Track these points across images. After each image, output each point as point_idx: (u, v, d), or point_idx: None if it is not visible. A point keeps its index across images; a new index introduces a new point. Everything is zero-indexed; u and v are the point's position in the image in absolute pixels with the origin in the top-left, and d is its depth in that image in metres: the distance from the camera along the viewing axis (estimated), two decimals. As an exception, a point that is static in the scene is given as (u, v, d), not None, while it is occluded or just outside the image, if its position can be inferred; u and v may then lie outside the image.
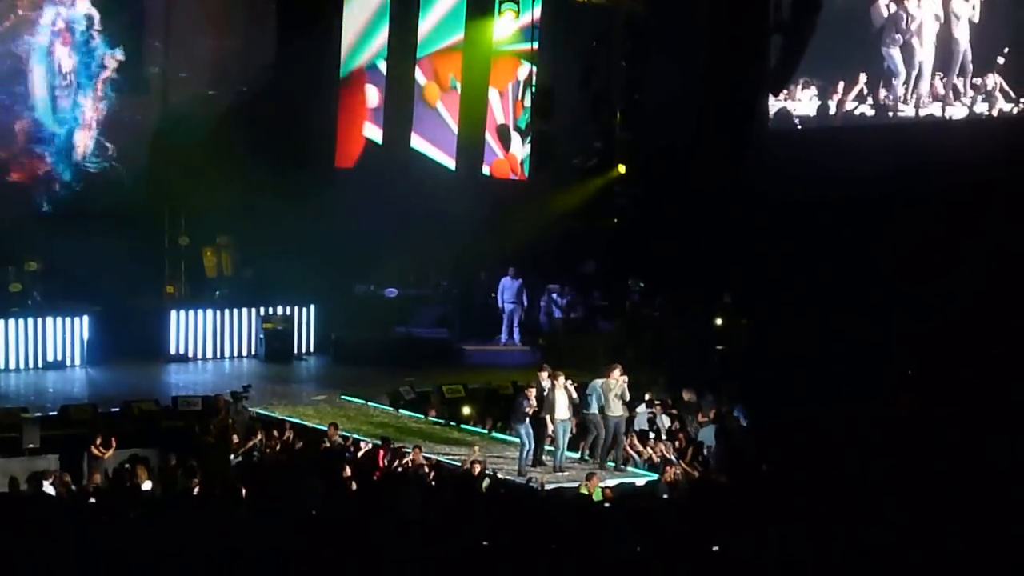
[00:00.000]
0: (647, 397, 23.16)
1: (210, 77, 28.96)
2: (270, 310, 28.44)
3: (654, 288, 29.49)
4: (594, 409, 21.55)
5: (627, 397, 21.71)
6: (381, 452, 20.73)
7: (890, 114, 29.65)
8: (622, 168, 30.11)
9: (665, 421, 22.97)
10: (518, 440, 21.63)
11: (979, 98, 28.73)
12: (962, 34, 29.06)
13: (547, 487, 20.10)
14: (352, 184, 29.73)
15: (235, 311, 28.32)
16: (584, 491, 19.63)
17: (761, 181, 28.60)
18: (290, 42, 29.05)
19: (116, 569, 13.58)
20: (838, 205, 27.52)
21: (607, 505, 18.77)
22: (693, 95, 30.02)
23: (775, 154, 29.46)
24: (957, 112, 29.12)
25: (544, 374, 21.78)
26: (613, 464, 21.62)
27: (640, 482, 20.97)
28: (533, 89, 29.78)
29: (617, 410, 21.55)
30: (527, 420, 21.32)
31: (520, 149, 31.34)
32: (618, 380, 21.61)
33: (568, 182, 30.37)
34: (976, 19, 28.81)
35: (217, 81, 28.98)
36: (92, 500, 17.81)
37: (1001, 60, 28.53)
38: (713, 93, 29.77)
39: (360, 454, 20.84)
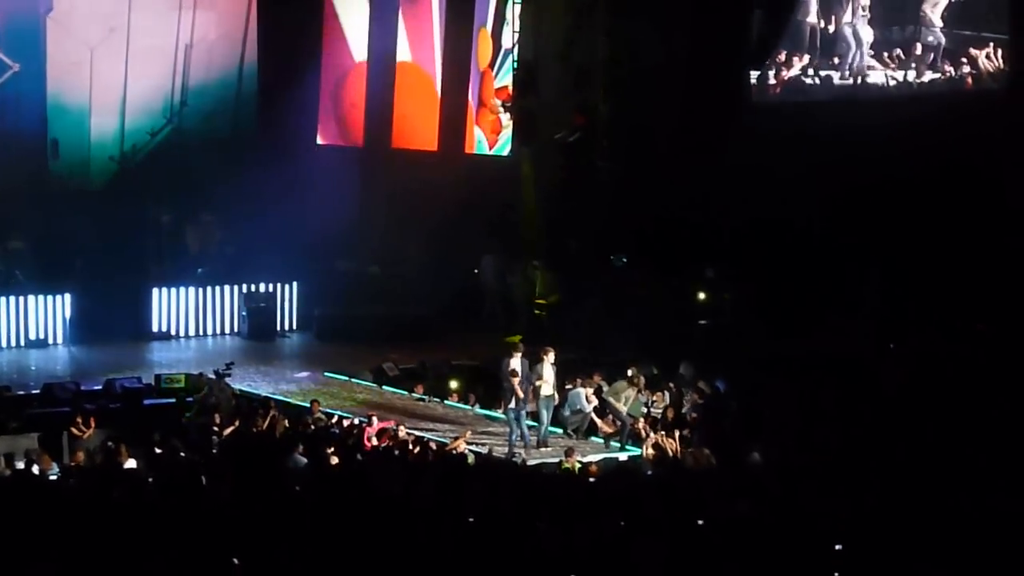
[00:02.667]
0: (629, 373, 23.15)
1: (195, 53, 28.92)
2: (252, 287, 28.40)
3: (636, 263, 29.50)
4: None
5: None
6: (365, 429, 20.75)
7: (836, 81, 29.51)
8: (604, 143, 30.11)
9: (643, 398, 22.96)
10: (503, 416, 21.75)
11: (911, 66, 28.60)
12: (899, 4, 28.97)
13: (529, 463, 20.15)
14: (334, 160, 29.69)
15: (217, 288, 28.27)
16: (566, 466, 19.69)
17: (742, 154, 28.59)
18: (272, 17, 28.99)
19: (100, 548, 13.56)
20: (820, 177, 27.48)
21: (591, 480, 18.78)
22: (675, 69, 30.00)
23: (757, 127, 29.40)
24: (890, 80, 29.04)
25: (518, 355, 21.79)
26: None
27: (623, 457, 21.03)
28: (515, 64, 29.79)
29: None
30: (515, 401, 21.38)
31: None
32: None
33: (551, 158, 30.35)
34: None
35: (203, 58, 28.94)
36: (75, 480, 17.77)
37: (937, 29, 28.39)
38: (696, 66, 29.73)
39: (342, 431, 20.85)
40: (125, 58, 28.22)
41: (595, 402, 22.12)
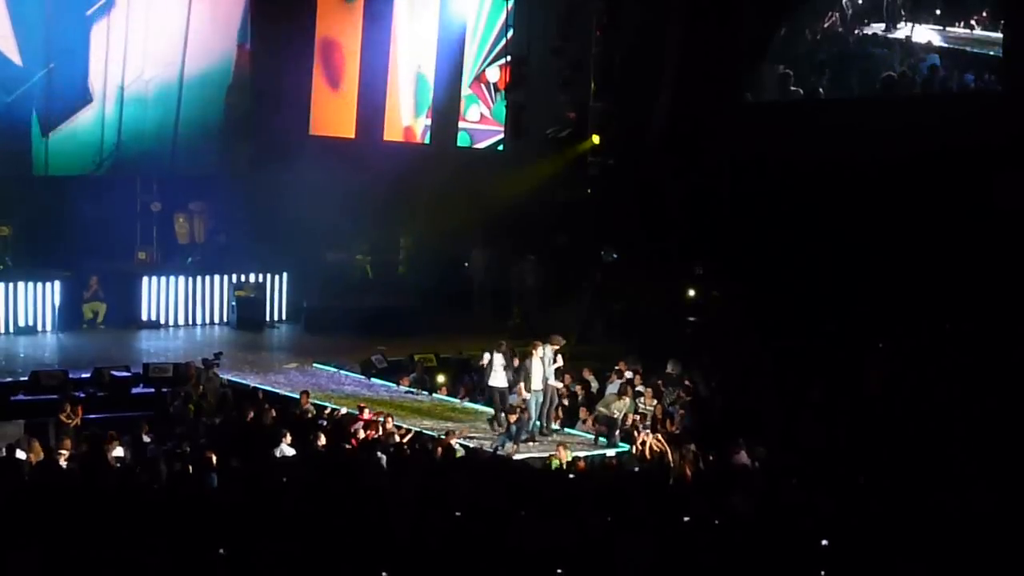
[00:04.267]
0: (617, 368, 23.16)
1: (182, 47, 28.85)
2: (242, 277, 28.39)
3: (626, 259, 29.50)
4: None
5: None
6: (357, 418, 20.75)
7: (826, 81, 29.45)
8: (596, 139, 30.08)
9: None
10: (491, 410, 21.78)
11: (899, 65, 28.54)
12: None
13: (517, 457, 20.14)
14: (326, 151, 29.68)
15: (207, 278, 28.26)
16: (556, 462, 19.70)
17: (733, 151, 28.61)
18: (265, 6, 28.98)
19: (86, 536, 13.56)
20: (810, 176, 27.50)
21: (571, 476, 18.81)
22: (668, 65, 29.98)
23: (749, 124, 29.41)
24: (879, 80, 28.97)
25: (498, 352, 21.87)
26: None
27: (611, 453, 21.03)
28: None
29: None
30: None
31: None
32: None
33: (542, 152, 30.33)
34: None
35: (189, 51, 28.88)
36: (64, 466, 17.76)
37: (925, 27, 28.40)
38: (688, 63, 29.71)
39: (331, 422, 20.84)
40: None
41: (560, 362, 22.07)
